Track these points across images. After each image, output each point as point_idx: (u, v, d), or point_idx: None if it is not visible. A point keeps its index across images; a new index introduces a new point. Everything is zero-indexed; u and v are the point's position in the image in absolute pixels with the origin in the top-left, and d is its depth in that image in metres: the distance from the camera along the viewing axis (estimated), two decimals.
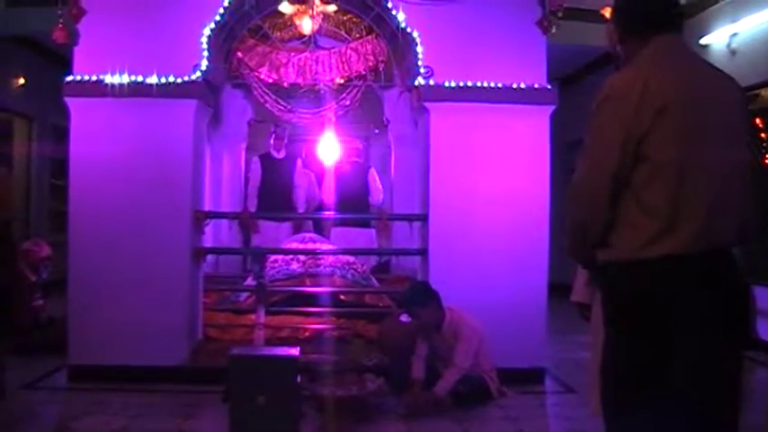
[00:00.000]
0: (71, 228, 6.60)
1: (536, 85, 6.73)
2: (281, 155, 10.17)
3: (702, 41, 8.83)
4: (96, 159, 6.55)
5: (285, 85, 8.48)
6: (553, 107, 6.78)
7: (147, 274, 6.49)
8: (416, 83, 6.76)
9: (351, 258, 8.81)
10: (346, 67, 8.21)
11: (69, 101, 6.57)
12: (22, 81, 11.30)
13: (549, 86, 6.79)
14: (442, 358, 6.02)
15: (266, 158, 10.13)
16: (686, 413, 2.45)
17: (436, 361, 6.08)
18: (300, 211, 10.01)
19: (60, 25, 6.36)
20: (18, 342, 7.33)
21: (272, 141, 10.15)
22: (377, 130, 13.22)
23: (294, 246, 8.96)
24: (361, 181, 10.03)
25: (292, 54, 8.19)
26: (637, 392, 2.50)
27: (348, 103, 8.59)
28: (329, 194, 10.05)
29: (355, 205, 9.55)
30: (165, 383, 6.31)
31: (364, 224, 9.80)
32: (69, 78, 6.57)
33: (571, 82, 11.46)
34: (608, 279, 2.63)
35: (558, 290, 7.46)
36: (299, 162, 10.35)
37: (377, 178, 10.16)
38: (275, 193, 9.89)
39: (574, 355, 7.69)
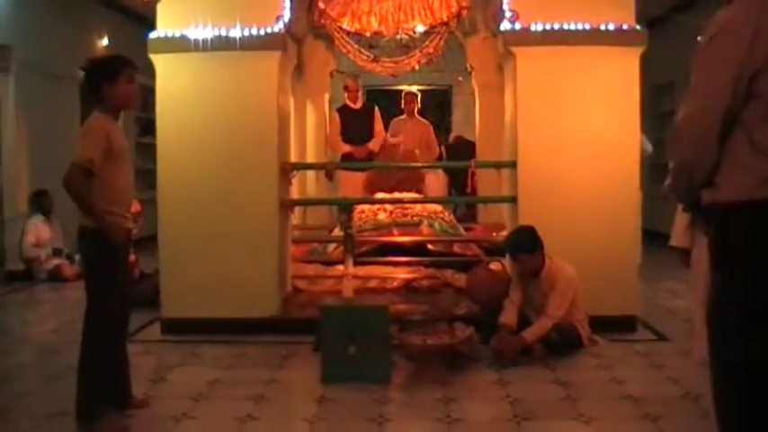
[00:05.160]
0: (160, 184, 6.68)
1: (625, 26, 6.51)
2: (358, 104, 10.19)
3: None
4: (182, 114, 6.61)
5: (367, 34, 8.42)
6: (643, 48, 6.55)
7: (236, 228, 6.56)
8: (502, 28, 6.62)
9: (438, 207, 8.78)
10: (429, 15, 8.10)
11: (154, 57, 6.62)
12: (105, 42, 11.43)
13: (639, 27, 6.57)
14: (534, 306, 5.95)
15: (344, 110, 10.18)
16: None
17: (528, 309, 6.01)
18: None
19: None
20: None
21: (345, 92, 10.16)
22: (460, 78, 13.13)
23: (381, 196, 8.95)
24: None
25: (374, 3, 8.12)
26: (749, 341, 2.38)
27: (431, 51, 8.50)
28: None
29: None
30: (256, 335, 6.40)
31: None
32: (154, 35, 6.61)
33: (658, 23, 11.12)
34: (717, 221, 2.50)
35: (650, 237, 7.33)
36: (377, 110, 10.33)
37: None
38: (356, 143, 9.95)
39: (666, 303, 7.56)
